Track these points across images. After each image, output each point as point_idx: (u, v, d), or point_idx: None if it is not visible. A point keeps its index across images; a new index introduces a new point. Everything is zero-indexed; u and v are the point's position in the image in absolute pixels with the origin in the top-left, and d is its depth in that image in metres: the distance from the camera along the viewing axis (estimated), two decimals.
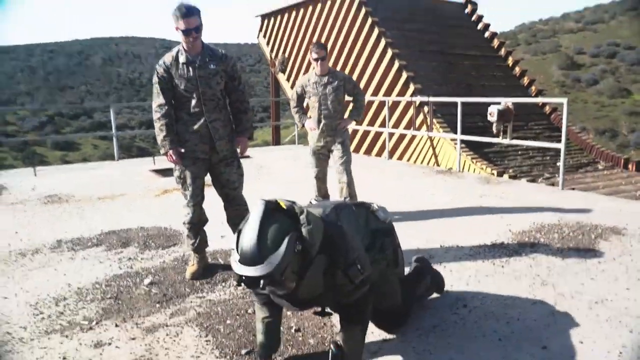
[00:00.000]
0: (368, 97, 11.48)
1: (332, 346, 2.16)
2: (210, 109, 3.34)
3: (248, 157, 9.11)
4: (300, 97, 4.80)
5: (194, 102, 3.30)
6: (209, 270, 3.57)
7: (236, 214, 3.58)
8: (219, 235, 4.29)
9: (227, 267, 3.63)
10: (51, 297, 3.21)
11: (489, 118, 7.36)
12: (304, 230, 1.86)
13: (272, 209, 1.86)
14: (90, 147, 44.96)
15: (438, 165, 9.89)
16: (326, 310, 2.24)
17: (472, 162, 9.16)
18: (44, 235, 4.62)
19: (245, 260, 1.77)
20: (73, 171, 8.78)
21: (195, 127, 3.33)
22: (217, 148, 3.39)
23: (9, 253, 4.14)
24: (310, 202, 4.62)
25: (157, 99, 3.29)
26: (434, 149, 10.31)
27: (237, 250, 1.82)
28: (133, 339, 2.63)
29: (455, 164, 8.03)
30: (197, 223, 3.53)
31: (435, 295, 2.96)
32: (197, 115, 3.33)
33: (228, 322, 2.78)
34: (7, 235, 4.65)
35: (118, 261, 3.88)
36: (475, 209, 5.07)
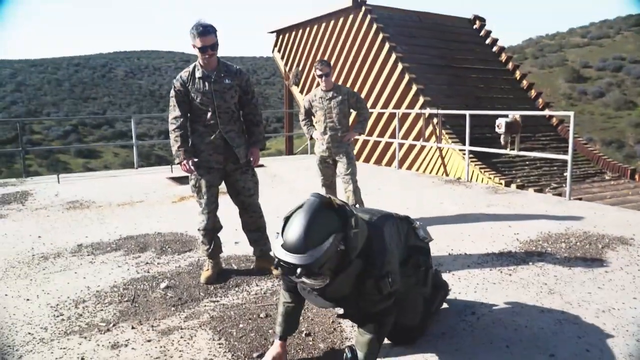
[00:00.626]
0: (379, 109, 11.50)
1: (346, 350, 2.14)
2: (225, 121, 3.38)
3: (262, 166, 9.14)
4: (308, 111, 4.89)
5: (209, 114, 3.34)
6: (223, 275, 3.57)
7: (251, 221, 3.60)
8: (233, 241, 4.32)
9: (241, 273, 3.65)
10: (71, 300, 3.23)
11: (497, 130, 7.31)
12: (350, 232, 1.87)
13: (325, 204, 1.89)
14: (111, 155, 45.52)
15: (447, 175, 9.82)
16: (346, 312, 2.24)
17: (481, 172, 9.08)
18: (66, 240, 4.66)
19: (289, 247, 1.80)
20: (94, 178, 8.87)
21: (211, 138, 3.37)
22: (237, 155, 3.42)
23: (32, 257, 4.18)
24: (355, 206, 4.59)
25: (174, 112, 3.34)
26: (442, 159, 10.25)
27: (282, 236, 1.85)
28: (149, 341, 2.63)
29: (463, 174, 7.97)
30: (212, 230, 3.54)
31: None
32: (212, 127, 3.37)
33: (241, 325, 2.77)
34: (30, 240, 4.70)
35: (135, 265, 3.89)
36: (483, 218, 5.02)
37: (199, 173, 3.41)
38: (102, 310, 3.05)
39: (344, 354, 2.15)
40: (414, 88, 11.09)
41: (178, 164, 3.40)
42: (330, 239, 1.80)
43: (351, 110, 4.81)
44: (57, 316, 2.98)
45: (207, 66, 3.32)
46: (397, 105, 11.41)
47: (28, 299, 3.26)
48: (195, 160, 3.38)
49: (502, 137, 7.28)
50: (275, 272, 3.55)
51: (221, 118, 3.36)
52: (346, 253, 1.87)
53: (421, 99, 10.87)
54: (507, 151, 7.45)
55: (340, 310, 2.25)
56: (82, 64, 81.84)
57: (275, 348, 2.36)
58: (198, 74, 3.32)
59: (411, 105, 11.10)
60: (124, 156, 43.57)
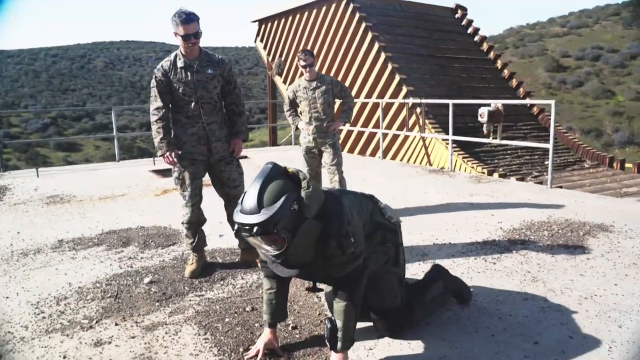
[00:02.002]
0: (362, 99, 11.48)
1: (326, 321, 2.19)
2: (207, 112, 3.32)
3: (246, 157, 9.07)
4: (292, 102, 4.85)
5: (192, 105, 3.28)
6: (208, 269, 3.53)
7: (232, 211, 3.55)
8: (217, 234, 4.29)
9: (226, 266, 3.61)
10: (52, 297, 3.16)
11: (480, 119, 7.35)
12: (303, 193, 1.96)
13: (278, 170, 2.01)
14: (92, 148, 44.76)
15: (430, 164, 9.87)
16: (317, 285, 2.30)
17: (464, 162, 9.15)
18: (46, 235, 4.57)
19: (245, 210, 1.91)
20: (75, 172, 8.70)
21: (193, 129, 3.32)
22: (212, 150, 3.36)
23: (11, 253, 4.08)
24: None
25: (155, 102, 3.27)
26: (426, 148, 10.30)
27: (240, 204, 1.95)
28: (133, 337, 2.59)
29: (447, 164, 8.01)
30: (196, 223, 3.49)
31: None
32: (195, 118, 3.31)
33: (226, 320, 2.74)
34: (9, 236, 4.59)
35: (118, 260, 3.83)
36: (466, 207, 5.05)
37: (182, 165, 3.35)
38: (84, 307, 2.99)
39: (325, 326, 2.18)
40: (397, 77, 11.10)
41: (161, 156, 3.33)
42: (282, 199, 1.90)
43: (335, 99, 4.77)
44: (38, 314, 2.91)
45: (189, 55, 3.25)
46: (381, 95, 11.41)
47: (7, 297, 3.18)
48: (179, 152, 3.32)
49: (484, 126, 7.34)
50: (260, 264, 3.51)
51: (204, 109, 3.30)
52: (300, 213, 1.94)
53: (404, 89, 10.88)
54: (490, 140, 7.51)
55: (310, 284, 2.30)
56: (60, 55, 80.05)
57: (265, 335, 2.38)
58: (180, 63, 3.25)
59: (394, 95, 11.11)
60: (105, 149, 42.90)
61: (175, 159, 3.30)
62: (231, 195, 3.50)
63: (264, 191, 1.92)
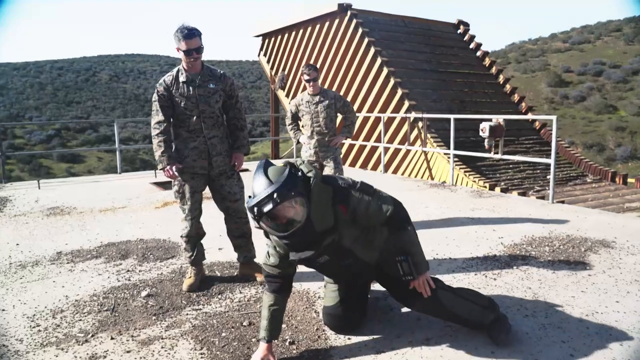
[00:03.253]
0: (364, 113, 11.52)
1: (398, 258, 2.30)
2: (209, 126, 3.33)
3: (247, 170, 9.05)
4: (295, 116, 4.86)
5: (193, 119, 3.29)
6: (206, 282, 3.51)
7: (236, 227, 3.54)
8: (216, 248, 4.27)
9: (224, 280, 3.59)
10: (48, 310, 3.14)
11: (481, 134, 7.35)
12: (300, 166, 2.22)
13: (270, 162, 2.23)
14: (95, 160, 44.92)
15: (432, 178, 9.86)
16: (357, 258, 2.38)
17: (465, 176, 9.13)
18: (45, 247, 4.55)
19: (258, 191, 2.06)
20: (76, 184, 8.71)
21: (195, 143, 3.32)
22: (213, 164, 3.36)
23: (9, 265, 4.07)
24: None
25: (157, 116, 3.28)
26: (428, 163, 10.29)
27: (252, 195, 2.10)
28: (128, 351, 2.56)
29: (448, 178, 7.99)
30: (195, 236, 3.48)
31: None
32: (196, 132, 3.32)
33: (223, 334, 2.71)
34: (8, 248, 4.58)
35: (116, 273, 3.81)
36: (467, 222, 5.02)
37: (183, 179, 3.36)
38: (80, 320, 2.97)
39: (399, 259, 2.32)
40: (399, 92, 11.14)
41: (161, 169, 3.33)
42: (286, 170, 2.12)
43: (338, 114, 4.79)
44: (34, 327, 2.89)
45: (191, 70, 3.27)
46: (383, 110, 11.44)
47: (3, 309, 3.16)
48: (180, 165, 3.32)
49: (486, 140, 7.33)
50: (259, 278, 3.50)
51: (205, 123, 3.31)
52: (305, 177, 2.17)
53: (406, 103, 10.91)
54: (491, 155, 7.50)
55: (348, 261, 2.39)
56: (65, 68, 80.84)
57: (261, 350, 2.36)
58: (182, 78, 3.27)
59: (396, 110, 11.13)
60: (108, 160, 43.08)
61: (175, 173, 3.30)
62: (231, 209, 3.50)
63: (267, 173, 2.10)
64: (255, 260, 3.63)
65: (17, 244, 4.68)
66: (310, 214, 2.13)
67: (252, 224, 2.31)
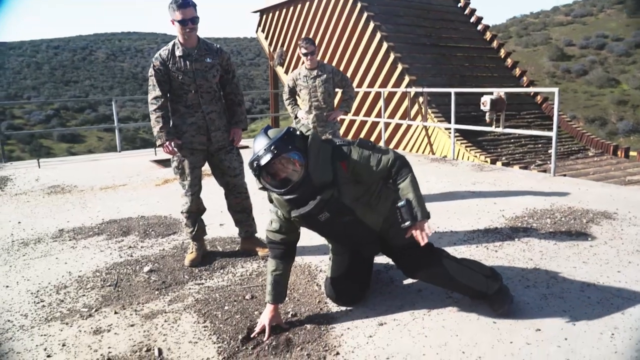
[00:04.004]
0: (364, 88, 11.40)
1: (399, 203, 2.26)
2: (207, 101, 3.29)
3: (247, 147, 9.02)
4: (292, 90, 4.80)
5: (191, 94, 3.25)
6: (208, 257, 3.53)
7: (237, 202, 3.53)
8: (217, 223, 4.28)
9: (226, 255, 3.60)
10: (52, 286, 3.16)
11: (482, 107, 7.26)
12: (299, 128, 2.29)
13: (270, 126, 2.32)
14: (95, 139, 44.78)
15: (433, 153, 9.82)
16: (358, 218, 2.36)
17: (466, 150, 9.08)
18: (46, 225, 4.57)
19: (257, 148, 2.17)
20: (76, 162, 8.70)
21: (193, 119, 3.29)
22: (212, 139, 3.33)
23: (12, 242, 4.08)
24: None
25: (153, 92, 3.24)
26: (429, 138, 10.24)
27: (252, 156, 2.18)
28: (132, 325, 2.58)
29: (449, 152, 7.96)
30: (195, 212, 3.47)
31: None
32: (194, 108, 3.28)
33: (226, 308, 2.73)
34: (10, 226, 4.59)
35: (118, 249, 3.83)
36: (469, 195, 5.01)
37: (182, 154, 3.33)
38: (84, 295, 2.99)
39: (398, 206, 2.26)
40: (400, 67, 10.99)
41: (160, 145, 3.30)
42: (284, 129, 2.23)
43: (336, 89, 4.73)
44: (38, 302, 2.92)
45: (187, 43, 3.21)
46: (383, 85, 11.31)
47: (7, 286, 3.18)
48: (179, 141, 3.29)
49: (487, 114, 7.24)
50: (260, 253, 3.50)
51: (203, 98, 3.28)
52: (304, 135, 2.25)
53: (407, 78, 10.78)
54: (492, 129, 7.44)
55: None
56: (61, 47, 79.94)
57: (268, 311, 2.44)
58: (178, 52, 3.21)
59: (397, 85, 11.01)
60: (108, 140, 42.94)
61: (174, 149, 3.27)
62: (231, 184, 3.48)
63: (267, 134, 2.20)
64: (257, 235, 3.63)
65: (19, 222, 4.69)
66: (308, 168, 2.19)
67: (255, 185, 2.34)
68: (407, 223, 2.24)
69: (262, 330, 2.40)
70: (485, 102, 7.07)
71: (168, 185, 6.13)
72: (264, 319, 2.43)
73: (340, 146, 2.32)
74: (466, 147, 9.20)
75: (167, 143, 3.25)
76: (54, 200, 5.57)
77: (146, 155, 8.88)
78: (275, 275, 2.46)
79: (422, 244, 2.24)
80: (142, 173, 7.11)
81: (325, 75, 4.59)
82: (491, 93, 7.21)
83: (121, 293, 3.01)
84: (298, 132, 2.26)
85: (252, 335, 2.40)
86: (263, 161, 2.14)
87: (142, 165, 7.78)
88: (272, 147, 2.13)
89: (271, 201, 2.45)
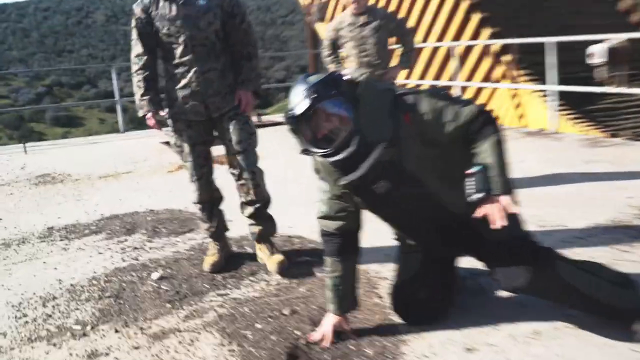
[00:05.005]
0: (430, 43, 11.16)
1: (473, 168, 2.10)
2: (201, 58, 3.16)
3: (281, 123, 9.02)
4: (334, 44, 4.72)
5: (180, 49, 3.14)
6: (234, 261, 3.51)
7: (244, 188, 3.33)
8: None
9: (255, 258, 3.53)
10: (38, 297, 3.20)
11: (591, 60, 6.73)
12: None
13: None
14: (97, 122, 46.48)
15: (526, 126, 9.56)
16: (427, 190, 2.23)
17: (572, 124, 8.76)
18: (33, 222, 4.70)
19: (295, 95, 2.17)
20: (70, 147, 9.05)
21: (185, 81, 3.18)
22: (210, 106, 3.21)
23: None
24: None
25: (135, 48, 3.23)
26: (518, 106, 9.99)
27: (289, 108, 2.19)
28: (136, 347, 2.56)
29: (548, 124, 7.69)
30: (209, 201, 3.42)
31: None
32: (185, 67, 3.17)
33: (258, 326, 2.66)
34: None
35: (121, 251, 3.87)
36: (580, 178, 4.83)
37: (176, 128, 3.29)
38: (77, 309, 3.02)
39: (469, 172, 2.10)
40: (478, 16, 10.69)
41: (142, 117, 3.30)
42: (328, 73, 2.27)
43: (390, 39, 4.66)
44: (20, 318, 2.95)
45: None
46: (456, 38, 11.05)
47: None
48: (164, 113, 3.26)
49: (600, 70, 6.76)
50: (271, 266, 3.32)
51: (196, 53, 3.14)
52: (354, 82, 2.25)
53: (487, 31, 10.48)
54: (609, 89, 7.00)
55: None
56: (52, 9, 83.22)
57: (330, 319, 2.46)
58: None
59: (474, 38, 10.75)
60: (112, 122, 44.46)
61: (157, 123, 3.28)
62: (235, 163, 3.29)
63: (306, 80, 2.19)
64: (275, 237, 3.54)
65: (0, 219, 4.81)
66: (359, 121, 2.15)
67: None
68: (476, 195, 2.03)
69: (322, 338, 2.42)
70: (598, 53, 6.63)
71: (183, 172, 6.14)
72: (325, 326, 2.45)
73: (404, 94, 2.24)
74: (572, 119, 8.83)
75: (151, 114, 3.23)
76: (42, 192, 5.75)
77: (156, 136, 8.95)
78: (335, 278, 2.44)
79: (496, 226, 2.00)
80: (150, 158, 7.31)
81: (377, 22, 4.46)
82: (605, 41, 6.78)
83: (123, 306, 3.01)
84: (346, 78, 2.25)
85: (309, 340, 2.44)
86: (299, 109, 2.11)
87: (151, 148, 7.99)
88: (312, 91, 2.11)
89: (318, 172, 2.41)
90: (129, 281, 3.33)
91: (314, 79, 2.19)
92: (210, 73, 3.20)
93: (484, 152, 2.12)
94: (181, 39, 3.13)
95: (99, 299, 3.11)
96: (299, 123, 2.16)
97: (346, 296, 2.47)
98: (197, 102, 3.20)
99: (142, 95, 3.22)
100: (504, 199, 2.03)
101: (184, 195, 5.05)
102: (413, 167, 2.17)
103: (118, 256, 3.76)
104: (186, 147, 3.29)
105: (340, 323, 2.46)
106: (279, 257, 3.30)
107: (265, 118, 11.17)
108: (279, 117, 11.15)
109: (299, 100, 2.13)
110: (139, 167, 6.68)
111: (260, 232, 3.42)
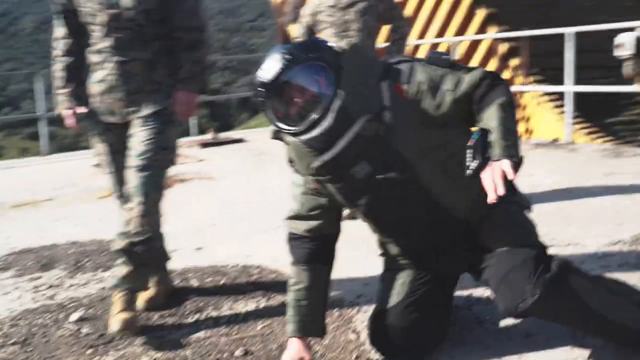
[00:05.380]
0: (430, 39, 11.37)
1: (474, 134, 2.10)
2: (123, 44, 3.08)
3: (240, 140, 9.10)
4: (310, 30, 4.71)
5: (97, 32, 3.09)
6: (176, 297, 3.47)
7: (128, 215, 3.16)
8: (192, 246, 4.30)
9: (205, 292, 3.58)
10: None
11: (620, 52, 6.74)
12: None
13: None
14: (18, 152, 46.00)
15: (530, 134, 9.91)
16: (418, 178, 2.20)
17: (588, 138, 8.98)
18: None
19: (267, 60, 2.21)
20: None
21: (102, 73, 3.11)
22: (129, 106, 3.10)
23: None
24: None
25: (57, 30, 3.23)
26: (528, 113, 10.33)
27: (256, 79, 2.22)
28: None
29: (562, 134, 7.91)
30: None
31: None
32: (102, 54, 3.12)
33: None
34: None
35: (32, 290, 3.83)
36: (599, 191, 5.01)
37: (91, 129, 3.26)
38: None
39: (472, 137, 2.10)
40: (483, 11, 10.93)
41: (59, 114, 3.34)
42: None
43: (380, 24, 4.74)
44: None
45: None
46: (459, 34, 11.41)
47: None
48: (83, 110, 3.20)
49: (627, 64, 6.77)
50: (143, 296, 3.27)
51: (117, 39, 3.07)
52: (336, 50, 2.28)
53: (495, 29, 10.71)
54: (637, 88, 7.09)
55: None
56: None
57: (293, 348, 2.41)
58: None
59: (479, 34, 11.05)
60: (37, 152, 44.13)
61: (74, 121, 3.24)
62: (126, 184, 3.11)
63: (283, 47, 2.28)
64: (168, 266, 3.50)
65: None
66: (341, 91, 2.15)
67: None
68: (473, 164, 1.99)
69: None
70: (626, 44, 6.65)
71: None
72: (286, 356, 2.41)
73: (397, 63, 2.26)
74: (587, 133, 9.03)
75: (70, 111, 3.20)
76: None
77: (86, 159, 9.01)
78: (298, 291, 2.40)
79: (493, 197, 1.92)
80: (79, 182, 7.34)
81: (364, 3, 4.47)
82: (632, 29, 6.88)
83: (32, 354, 2.95)
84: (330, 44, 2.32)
85: None
86: (269, 74, 2.14)
87: (80, 172, 8.00)
88: (285, 55, 2.15)
89: (291, 162, 2.41)
90: (40, 324, 3.27)
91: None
92: (132, 64, 3.10)
93: (487, 117, 2.12)
94: (98, 20, 3.07)
95: (1, 346, 3.05)
96: (268, 92, 2.17)
97: (311, 316, 2.42)
98: (114, 99, 3.12)
99: (62, 87, 3.19)
100: (504, 163, 1.96)
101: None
102: (404, 147, 2.14)
103: (28, 296, 3.72)
104: (105, 155, 3.24)
105: (299, 352, 2.38)
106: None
107: (224, 135, 11.18)
108: (238, 134, 11.20)
109: (270, 63, 2.15)
110: (63, 193, 6.72)
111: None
